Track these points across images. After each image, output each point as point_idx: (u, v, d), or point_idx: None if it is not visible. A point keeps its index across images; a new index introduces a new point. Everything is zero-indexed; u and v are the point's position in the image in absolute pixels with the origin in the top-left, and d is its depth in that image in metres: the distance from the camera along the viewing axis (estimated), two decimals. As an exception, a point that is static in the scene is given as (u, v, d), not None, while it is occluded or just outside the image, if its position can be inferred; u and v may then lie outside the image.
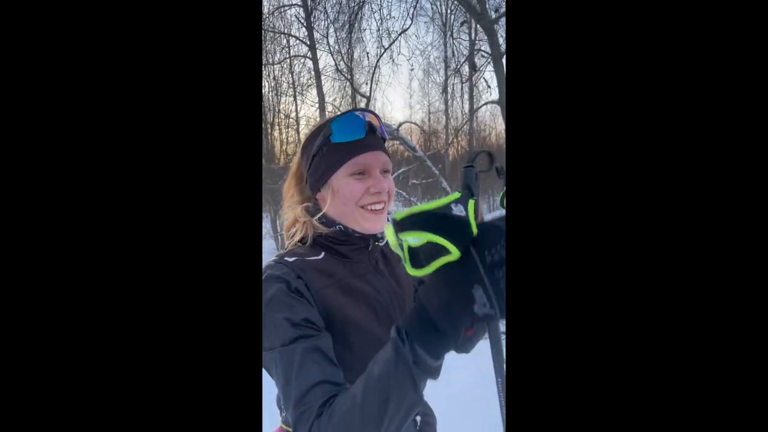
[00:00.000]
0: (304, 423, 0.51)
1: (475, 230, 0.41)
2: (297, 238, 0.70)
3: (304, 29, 6.80)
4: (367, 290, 0.68)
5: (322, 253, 0.69)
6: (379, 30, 4.77)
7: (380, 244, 0.74)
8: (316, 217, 0.69)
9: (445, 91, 10.10)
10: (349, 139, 0.66)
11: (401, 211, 0.43)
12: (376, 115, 0.70)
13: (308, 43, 6.66)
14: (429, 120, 11.18)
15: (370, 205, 0.68)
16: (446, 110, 10.73)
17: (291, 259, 0.66)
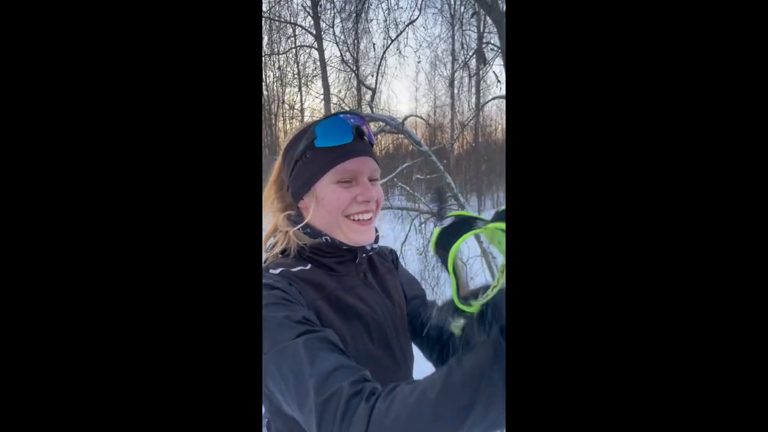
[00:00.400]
0: (332, 408, 0.43)
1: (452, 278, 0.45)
2: (278, 249, 0.63)
3: (310, 18, 6.69)
4: (358, 306, 0.62)
5: (309, 265, 0.62)
6: (386, 21, 4.65)
7: (367, 255, 0.68)
8: (299, 227, 0.62)
9: (452, 84, 9.97)
10: (334, 143, 0.60)
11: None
12: (364, 119, 0.63)
13: (314, 33, 6.55)
14: (434, 114, 11.07)
15: (357, 215, 0.62)
16: (452, 104, 10.60)
17: (276, 271, 0.59)
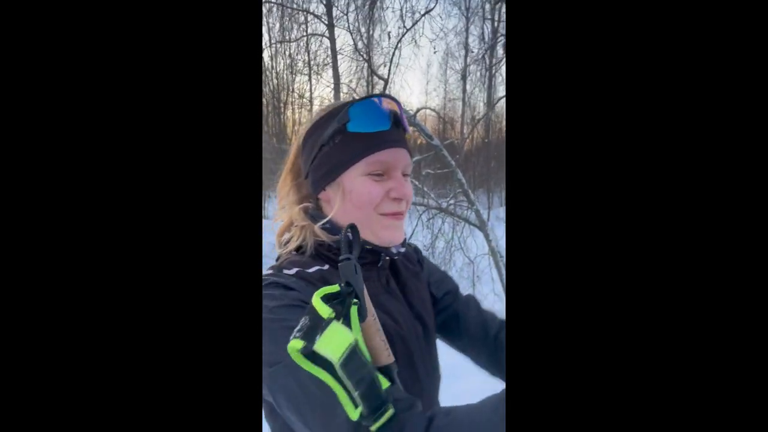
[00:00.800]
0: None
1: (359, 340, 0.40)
2: (293, 246, 0.56)
3: (322, 6, 6.56)
4: (382, 318, 0.54)
5: (326, 265, 0.55)
6: (402, 9, 4.51)
7: (391, 258, 0.60)
8: (322, 222, 0.54)
9: (464, 77, 9.83)
10: (370, 129, 0.52)
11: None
12: (401, 105, 0.55)
13: (326, 21, 6.43)
14: (445, 108, 10.94)
15: (390, 213, 0.54)
16: (463, 98, 10.47)
17: (291, 271, 0.52)
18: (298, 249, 0.56)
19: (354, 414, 0.39)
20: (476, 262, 4.14)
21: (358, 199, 0.53)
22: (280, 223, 0.61)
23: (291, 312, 0.45)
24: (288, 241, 0.57)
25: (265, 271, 0.54)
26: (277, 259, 0.57)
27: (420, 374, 0.56)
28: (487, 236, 3.55)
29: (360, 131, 0.52)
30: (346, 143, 0.53)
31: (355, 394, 0.38)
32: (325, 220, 0.54)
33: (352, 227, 0.50)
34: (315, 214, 0.56)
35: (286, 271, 0.52)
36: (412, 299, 0.62)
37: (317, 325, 0.39)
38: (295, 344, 0.38)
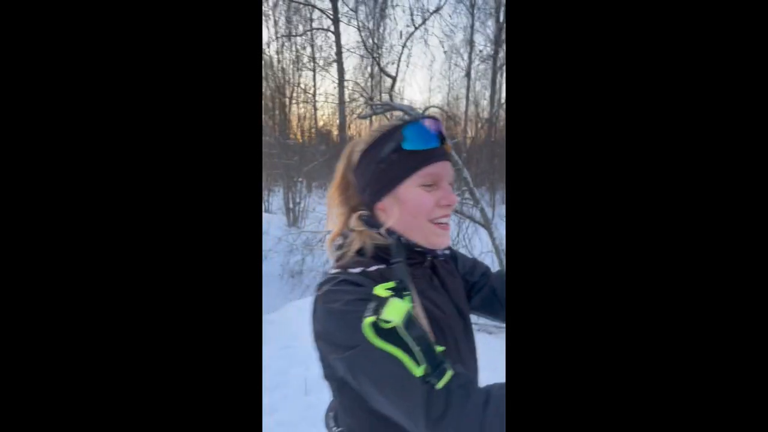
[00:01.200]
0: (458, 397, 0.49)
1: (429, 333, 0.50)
2: (354, 248, 0.63)
3: (328, 1, 6.58)
4: (432, 310, 0.62)
5: (384, 265, 0.62)
6: (411, 8, 4.57)
7: (434, 258, 0.69)
8: (382, 229, 0.62)
9: (468, 75, 9.86)
10: (423, 146, 0.60)
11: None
12: (439, 123, 0.64)
13: (332, 16, 6.45)
14: (448, 105, 10.98)
15: (439, 219, 0.62)
16: (467, 96, 10.50)
17: (356, 270, 0.60)
18: (359, 251, 0.64)
19: (418, 371, 0.48)
20: (480, 260, 4.21)
21: (414, 208, 0.61)
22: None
23: (362, 305, 0.53)
24: (349, 245, 0.64)
25: (331, 271, 0.61)
26: (337, 260, 0.65)
27: (464, 360, 0.64)
28: (491, 234, 3.62)
29: (414, 149, 0.60)
30: (402, 160, 0.60)
31: (416, 350, 0.49)
32: (384, 227, 0.62)
33: (398, 238, 0.62)
34: (370, 221, 0.63)
35: (351, 270, 0.59)
36: (452, 294, 0.69)
37: (381, 304, 0.51)
38: (368, 320, 0.49)
